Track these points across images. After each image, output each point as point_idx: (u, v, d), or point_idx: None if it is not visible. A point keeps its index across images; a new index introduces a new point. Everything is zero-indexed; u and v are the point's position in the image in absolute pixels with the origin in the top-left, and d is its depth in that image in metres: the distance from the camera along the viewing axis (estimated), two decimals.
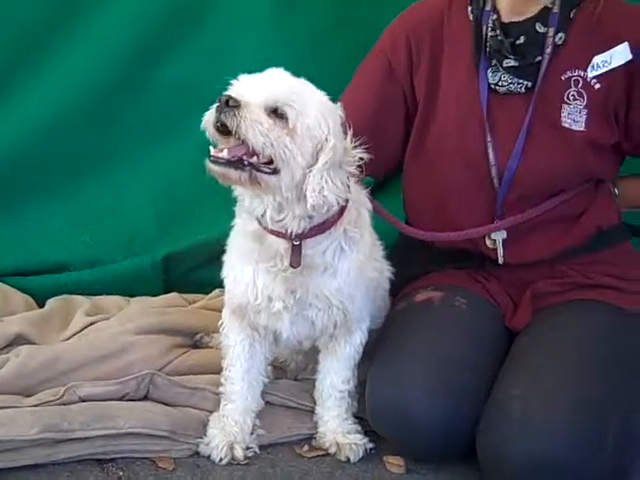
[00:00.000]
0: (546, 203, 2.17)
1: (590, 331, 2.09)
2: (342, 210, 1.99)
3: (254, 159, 1.84)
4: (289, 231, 1.95)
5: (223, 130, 1.83)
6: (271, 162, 1.85)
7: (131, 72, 2.85)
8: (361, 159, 1.94)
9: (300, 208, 1.92)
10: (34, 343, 2.47)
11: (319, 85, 2.49)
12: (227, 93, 1.81)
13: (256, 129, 1.80)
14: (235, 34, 2.84)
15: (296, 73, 2.59)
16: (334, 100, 2.00)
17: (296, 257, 1.98)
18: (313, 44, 2.82)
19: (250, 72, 2.59)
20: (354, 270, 2.06)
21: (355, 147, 1.95)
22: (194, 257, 2.86)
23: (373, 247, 2.14)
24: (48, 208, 2.90)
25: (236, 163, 1.83)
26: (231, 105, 1.79)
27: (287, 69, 2.59)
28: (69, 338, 2.53)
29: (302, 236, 1.97)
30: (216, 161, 1.84)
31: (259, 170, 1.85)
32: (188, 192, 2.92)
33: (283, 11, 2.82)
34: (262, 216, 1.95)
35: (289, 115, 1.85)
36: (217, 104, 1.80)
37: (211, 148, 1.85)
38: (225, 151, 1.83)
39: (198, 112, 2.58)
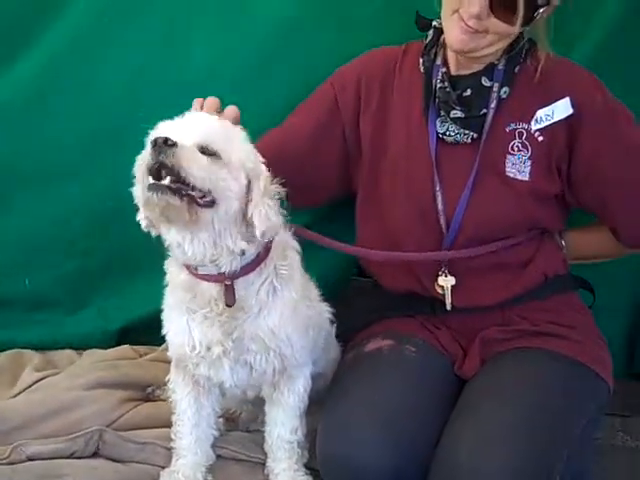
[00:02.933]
0: (492, 244, 2.20)
1: (535, 380, 2.11)
2: (268, 248, 2.02)
3: (191, 193, 1.85)
4: (222, 270, 1.96)
5: (156, 173, 1.84)
6: (204, 196, 1.87)
7: (72, 71, 2.68)
8: (279, 193, 1.98)
9: (234, 242, 1.94)
10: None
11: (275, 79, 2.56)
12: (161, 135, 1.82)
13: (196, 165, 1.83)
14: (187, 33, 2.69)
15: (249, 71, 2.62)
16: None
17: (230, 296, 1.99)
18: (270, 41, 2.67)
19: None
20: (288, 309, 2.06)
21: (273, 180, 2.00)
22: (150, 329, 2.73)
23: (306, 287, 2.15)
24: None
25: (176, 190, 1.83)
26: (169, 144, 1.81)
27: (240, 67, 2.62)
28: (17, 395, 2.49)
29: (234, 276, 1.99)
30: (157, 188, 1.83)
31: (197, 203, 1.86)
32: None
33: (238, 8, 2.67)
34: (194, 259, 1.95)
35: (222, 151, 1.89)
36: (153, 146, 1.81)
37: (149, 177, 1.84)
38: (168, 178, 1.83)
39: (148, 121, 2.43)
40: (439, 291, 2.26)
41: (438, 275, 2.25)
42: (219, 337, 2.03)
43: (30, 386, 2.53)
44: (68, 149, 2.71)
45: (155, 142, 1.81)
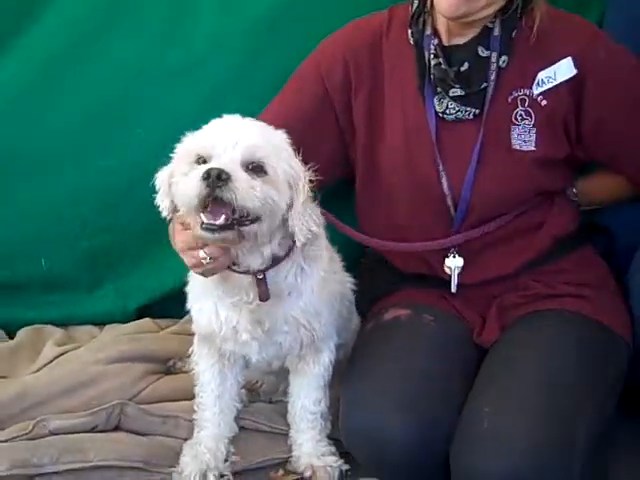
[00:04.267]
0: (501, 218, 2.15)
1: (553, 347, 2.08)
2: None
3: (236, 215, 1.82)
4: (252, 269, 1.95)
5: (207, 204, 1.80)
6: (249, 214, 1.83)
7: (78, 61, 2.68)
8: (311, 181, 1.94)
9: (270, 249, 1.94)
10: (3, 377, 2.45)
11: (275, 62, 2.50)
12: (216, 167, 1.77)
13: (252, 196, 1.80)
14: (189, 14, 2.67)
15: (252, 50, 2.60)
16: None
17: (263, 291, 1.97)
18: (271, 20, 2.65)
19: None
20: (317, 287, 2.05)
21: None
22: (167, 303, 2.80)
23: (331, 261, 2.13)
24: None
25: (230, 226, 1.81)
26: (223, 179, 1.76)
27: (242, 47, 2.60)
28: (39, 370, 2.50)
29: (265, 270, 1.97)
30: (212, 229, 1.80)
31: (243, 224, 1.83)
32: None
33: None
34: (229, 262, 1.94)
35: (268, 169, 1.86)
36: (206, 178, 1.76)
37: (202, 215, 1.80)
38: (222, 217, 1.79)
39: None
40: (447, 272, 2.21)
41: (446, 257, 2.20)
42: (246, 325, 2.02)
43: (51, 361, 2.54)
44: (77, 130, 2.71)
45: (208, 175, 1.76)
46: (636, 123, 2.14)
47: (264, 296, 1.97)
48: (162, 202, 1.95)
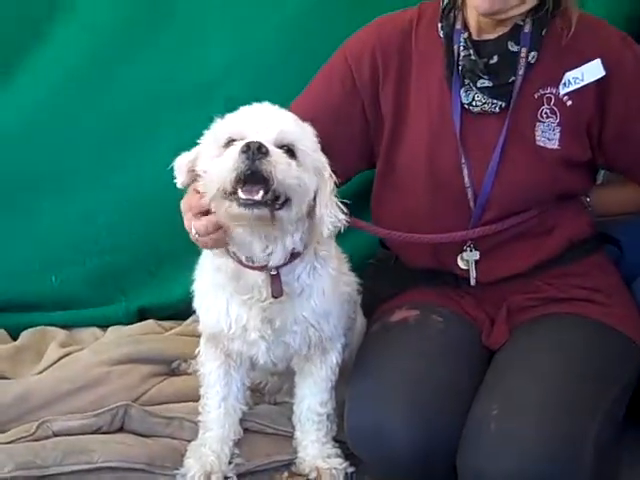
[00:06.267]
0: (521, 215, 2.14)
1: (563, 349, 2.06)
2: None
3: (269, 196, 1.81)
4: (270, 264, 1.94)
5: (245, 180, 1.78)
6: (278, 198, 1.82)
7: (93, 81, 2.77)
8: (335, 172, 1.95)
9: (292, 241, 1.93)
10: (7, 378, 2.44)
11: (289, 80, 2.51)
12: (255, 140, 1.77)
13: (289, 172, 1.79)
14: (201, 37, 2.76)
15: (266, 69, 2.68)
16: None
17: (277, 287, 1.96)
18: (284, 39, 2.74)
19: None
20: (328, 287, 2.05)
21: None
22: (172, 307, 2.82)
23: (339, 261, 2.13)
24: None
25: (267, 203, 1.80)
26: (263, 152, 1.76)
27: (255, 69, 2.70)
28: (42, 371, 2.50)
29: (280, 266, 1.96)
30: (252, 205, 1.78)
31: (274, 208, 1.82)
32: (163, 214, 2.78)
33: (250, 7, 2.74)
34: (256, 255, 1.93)
35: (299, 153, 1.85)
36: (245, 151, 1.75)
37: (240, 191, 1.78)
38: (261, 192, 1.78)
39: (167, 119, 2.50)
40: (462, 267, 2.19)
41: (463, 251, 2.19)
42: (257, 324, 2.01)
43: (55, 362, 2.53)
44: (91, 149, 2.78)
45: (248, 147, 1.76)
46: None
47: (277, 293, 1.95)
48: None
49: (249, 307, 2.00)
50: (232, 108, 1.93)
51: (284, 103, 2.33)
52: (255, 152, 1.75)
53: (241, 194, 1.78)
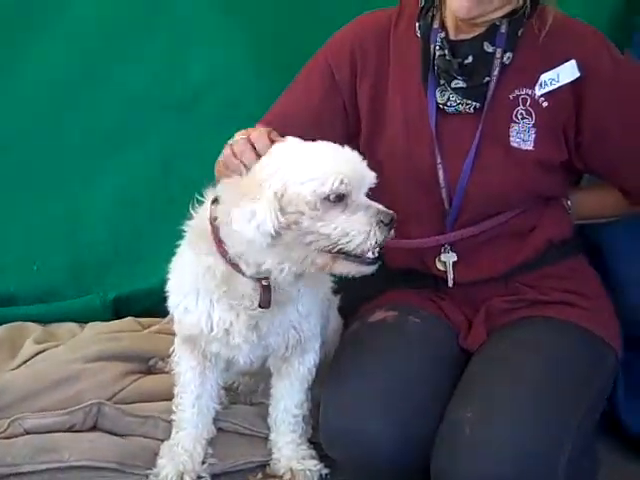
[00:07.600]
0: (497, 217, 2.13)
1: (539, 351, 2.05)
2: None
3: None
4: (272, 278, 1.92)
5: None
6: None
7: (80, 85, 2.85)
8: None
9: None
10: None
11: (270, 87, 2.51)
12: (390, 212, 1.86)
13: None
14: (187, 42, 2.84)
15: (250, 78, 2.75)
16: None
17: (266, 298, 1.94)
18: (265, 48, 2.81)
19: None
20: (309, 289, 2.04)
21: None
22: (148, 299, 2.81)
23: None
24: None
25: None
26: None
27: (240, 74, 2.78)
28: (17, 367, 2.47)
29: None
30: (372, 262, 1.88)
31: None
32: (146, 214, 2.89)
33: (233, 16, 2.81)
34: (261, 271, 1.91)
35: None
36: (386, 224, 1.84)
37: (370, 253, 1.86)
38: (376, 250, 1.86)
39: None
40: (440, 268, 2.19)
41: (440, 253, 2.18)
42: (241, 329, 1.99)
43: (30, 358, 2.52)
44: (74, 150, 2.87)
45: (391, 220, 1.85)
46: (634, 138, 2.10)
47: (265, 304, 1.94)
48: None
49: (236, 313, 1.98)
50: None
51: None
52: (390, 224, 1.84)
53: (370, 255, 1.85)
